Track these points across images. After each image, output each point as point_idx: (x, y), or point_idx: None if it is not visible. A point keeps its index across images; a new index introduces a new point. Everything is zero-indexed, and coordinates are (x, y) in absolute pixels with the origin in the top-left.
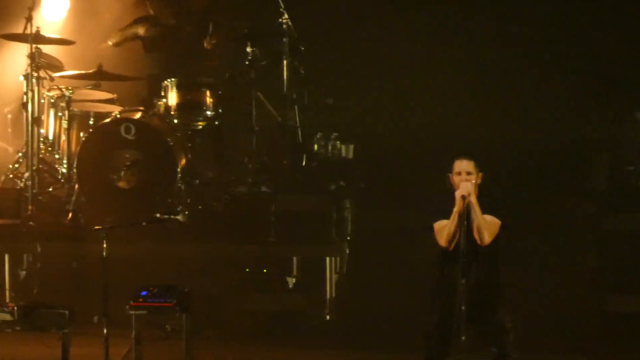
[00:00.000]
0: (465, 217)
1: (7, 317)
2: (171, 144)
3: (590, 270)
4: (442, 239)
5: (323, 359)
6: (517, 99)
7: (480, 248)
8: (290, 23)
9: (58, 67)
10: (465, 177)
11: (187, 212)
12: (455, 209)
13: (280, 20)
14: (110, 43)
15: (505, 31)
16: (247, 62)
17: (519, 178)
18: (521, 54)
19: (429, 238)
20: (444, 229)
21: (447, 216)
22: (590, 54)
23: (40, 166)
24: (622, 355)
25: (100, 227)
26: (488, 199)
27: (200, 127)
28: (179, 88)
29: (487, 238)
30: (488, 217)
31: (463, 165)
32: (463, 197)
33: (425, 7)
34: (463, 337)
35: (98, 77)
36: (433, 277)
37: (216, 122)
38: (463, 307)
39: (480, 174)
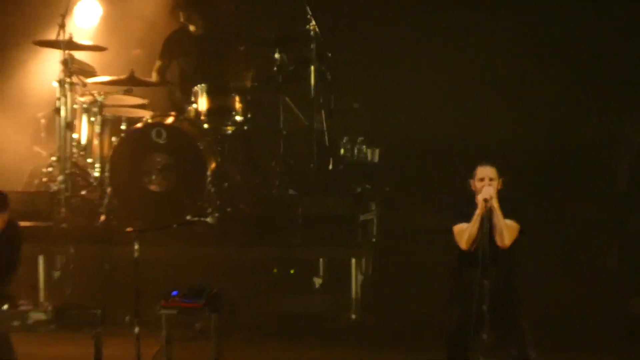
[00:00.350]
0: (487, 220)
1: (42, 317)
2: (201, 148)
3: (612, 272)
4: (463, 242)
5: (350, 356)
6: (540, 103)
7: (499, 251)
8: (317, 29)
9: (90, 73)
10: (487, 183)
11: (216, 215)
12: (478, 212)
13: (307, 26)
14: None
15: (530, 35)
16: (275, 68)
17: (540, 181)
18: (541, 59)
19: (450, 241)
20: (464, 232)
21: (467, 219)
22: (611, 59)
23: (73, 170)
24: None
25: (131, 229)
26: (508, 204)
27: (230, 131)
28: (208, 94)
29: (508, 241)
30: (508, 222)
31: (486, 172)
32: (485, 201)
33: (446, 12)
34: (485, 336)
35: (130, 83)
36: (451, 279)
37: (245, 127)
38: (485, 307)
39: (500, 179)
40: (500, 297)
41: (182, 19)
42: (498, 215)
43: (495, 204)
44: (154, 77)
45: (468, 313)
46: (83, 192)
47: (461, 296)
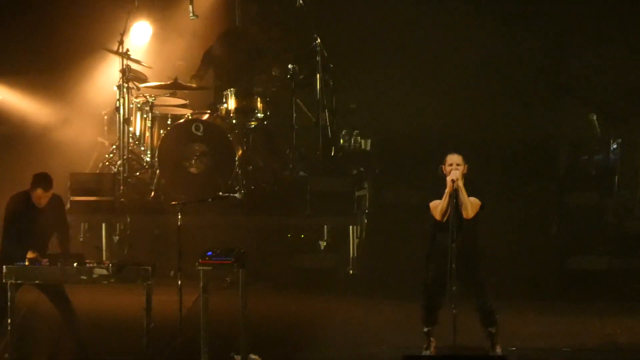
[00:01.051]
0: (454, 196)
1: (104, 272)
2: (231, 139)
3: (552, 237)
4: (437, 214)
5: (348, 303)
6: (504, 106)
7: (465, 221)
8: (321, 46)
9: (143, 79)
10: (454, 167)
11: (243, 191)
12: (447, 190)
13: (314, 44)
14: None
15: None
16: (288, 76)
17: (500, 165)
18: (507, 75)
19: (427, 214)
20: (438, 206)
21: (440, 197)
22: (556, 67)
23: (130, 156)
24: (577, 301)
25: (175, 202)
26: (472, 185)
27: (253, 126)
28: (236, 96)
29: (472, 213)
30: (472, 199)
31: (454, 159)
32: (453, 181)
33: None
34: (454, 288)
35: (174, 87)
36: (428, 243)
37: (265, 122)
38: (453, 265)
39: (466, 165)
40: (465, 256)
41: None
42: (463, 193)
43: (460, 184)
44: (194, 82)
45: (441, 269)
46: (137, 174)
47: (435, 256)
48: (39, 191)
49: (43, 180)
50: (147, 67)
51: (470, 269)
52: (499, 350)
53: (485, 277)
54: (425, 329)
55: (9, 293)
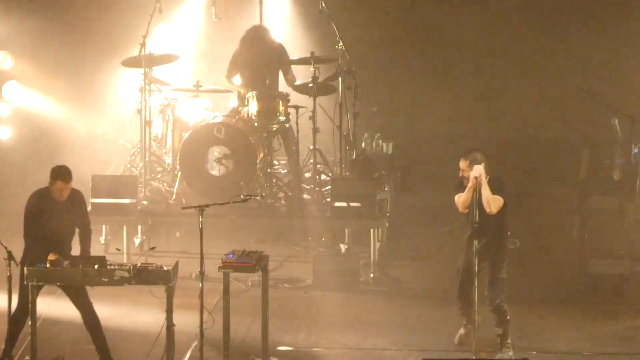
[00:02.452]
0: (477, 192)
1: (125, 274)
2: (252, 141)
3: (573, 240)
4: (460, 207)
5: (369, 306)
6: (521, 106)
7: (489, 217)
8: (344, 48)
9: (165, 82)
10: (475, 164)
11: (264, 194)
12: (469, 185)
13: (337, 47)
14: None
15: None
16: (311, 79)
17: (519, 168)
18: (526, 75)
19: (450, 214)
20: (460, 199)
21: (463, 190)
22: (579, 70)
23: (151, 158)
24: (597, 305)
25: (197, 205)
26: (495, 182)
27: (275, 128)
28: (258, 99)
29: (494, 209)
30: (495, 195)
31: (472, 155)
32: (475, 178)
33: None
34: (476, 285)
35: (196, 90)
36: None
37: (287, 125)
38: (476, 261)
39: (486, 160)
40: (489, 253)
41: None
42: (485, 187)
43: (483, 179)
44: (224, 83)
45: (466, 262)
46: (159, 176)
47: (464, 249)
48: (59, 183)
49: (62, 172)
50: (172, 58)
51: (492, 267)
52: (508, 352)
53: (506, 277)
54: (461, 314)
55: (30, 295)
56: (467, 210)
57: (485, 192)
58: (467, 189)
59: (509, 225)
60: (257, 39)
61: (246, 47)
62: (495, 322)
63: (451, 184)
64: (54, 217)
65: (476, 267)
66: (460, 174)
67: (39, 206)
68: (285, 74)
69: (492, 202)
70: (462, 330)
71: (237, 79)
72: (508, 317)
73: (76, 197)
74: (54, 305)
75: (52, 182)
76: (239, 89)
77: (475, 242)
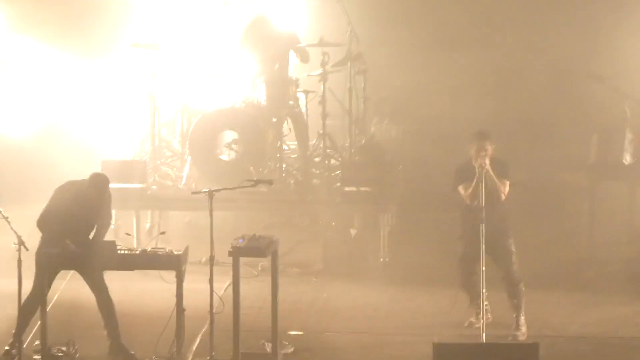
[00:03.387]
0: (483, 182)
1: (135, 259)
2: (262, 126)
3: (583, 225)
4: (467, 198)
5: (378, 291)
6: (530, 91)
7: (495, 204)
8: (355, 32)
9: (175, 67)
10: (482, 152)
11: (273, 179)
12: (477, 177)
13: (347, 31)
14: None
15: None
16: (320, 63)
17: (527, 153)
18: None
19: (457, 199)
20: (467, 191)
21: (467, 179)
22: (589, 54)
23: (161, 143)
24: (608, 290)
25: (207, 190)
26: (499, 165)
27: (284, 113)
28: (267, 84)
29: (503, 196)
30: (501, 181)
31: (480, 143)
32: (481, 169)
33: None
34: (483, 268)
35: (206, 75)
36: (460, 225)
37: (296, 110)
38: (483, 246)
39: (493, 146)
40: (495, 234)
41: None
42: (492, 177)
43: (489, 169)
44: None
45: (470, 247)
46: (168, 161)
47: (466, 235)
48: (93, 192)
49: (100, 183)
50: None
51: (500, 242)
52: (522, 326)
53: (515, 251)
54: (472, 305)
55: (41, 280)
56: (474, 202)
57: (493, 182)
58: (474, 181)
59: (510, 203)
60: (261, 29)
61: (255, 31)
62: (509, 292)
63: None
64: (79, 213)
65: (483, 253)
66: (473, 155)
67: (66, 197)
68: (297, 53)
69: (501, 189)
70: (472, 318)
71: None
72: (522, 288)
73: (105, 197)
74: (64, 290)
75: (88, 186)
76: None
77: (482, 227)
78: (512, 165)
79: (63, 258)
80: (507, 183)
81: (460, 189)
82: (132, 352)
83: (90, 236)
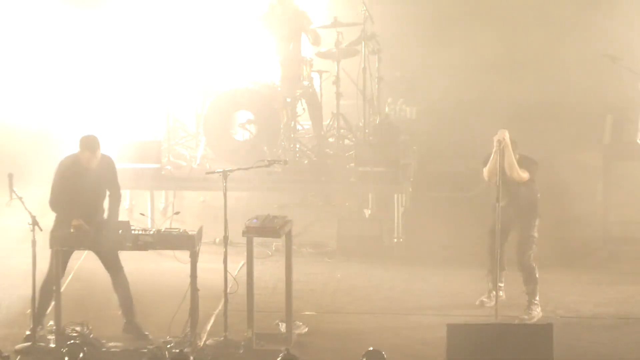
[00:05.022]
0: (501, 156)
1: (149, 239)
2: (276, 106)
3: (597, 205)
4: (486, 174)
5: (393, 271)
6: (545, 70)
7: (513, 182)
8: (369, 13)
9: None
10: (501, 133)
11: (287, 159)
12: (494, 150)
13: (361, 11)
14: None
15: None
16: (334, 43)
17: (542, 133)
18: (546, 33)
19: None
20: (486, 169)
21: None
22: (602, 34)
23: (175, 124)
24: (622, 270)
25: (221, 170)
26: (524, 158)
27: (298, 93)
28: (282, 64)
29: (516, 175)
30: (527, 159)
31: (501, 133)
32: (499, 141)
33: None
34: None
35: (221, 56)
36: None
37: (310, 90)
38: (499, 225)
39: (517, 145)
40: (519, 216)
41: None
42: (509, 151)
43: (508, 143)
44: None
45: (494, 225)
46: (182, 141)
47: (496, 212)
48: (87, 154)
49: (90, 142)
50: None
51: (523, 225)
52: (533, 310)
53: (536, 236)
54: (487, 276)
55: (54, 260)
56: (495, 178)
57: (509, 156)
58: (492, 155)
59: (538, 187)
60: (279, 6)
61: (273, 12)
62: (523, 279)
63: (476, 150)
64: (83, 184)
65: (499, 230)
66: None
67: (68, 172)
68: (308, 35)
69: (514, 167)
70: (484, 297)
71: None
72: (537, 275)
73: (106, 163)
74: (78, 270)
75: (81, 151)
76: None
77: (498, 205)
78: (540, 166)
79: (77, 238)
80: (526, 173)
81: (484, 170)
82: (146, 333)
83: (104, 212)
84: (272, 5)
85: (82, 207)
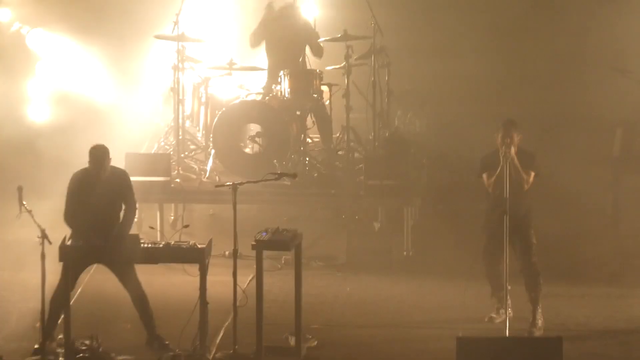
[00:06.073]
0: (507, 170)
1: (158, 252)
2: (286, 119)
3: (608, 218)
4: (489, 186)
5: (402, 285)
6: (555, 83)
7: (518, 194)
8: (378, 26)
9: (198, 60)
10: (507, 140)
11: (297, 172)
12: (501, 165)
13: (370, 24)
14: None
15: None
16: (344, 56)
17: (552, 146)
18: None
19: (482, 191)
20: (491, 179)
21: (491, 168)
22: (611, 47)
23: (185, 136)
24: (632, 284)
25: (230, 183)
26: (525, 155)
27: (308, 106)
28: (291, 77)
29: (526, 186)
30: (525, 171)
31: (506, 131)
32: (506, 158)
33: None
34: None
35: (229, 68)
36: (484, 214)
37: (320, 103)
38: (507, 239)
39: (520, 135)
40: (518, 225)
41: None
42: (516, 166)
43: (515, 159)
44: (252, 39)
45: (494, 238)
46: (192, 154)
47: (491, 227)
48: (95, 164)
49: (97, 152)
50: (201, 40)
51: (522, 235)
52: (538, 320)
53: (536, 243)
54: (493, 297)
55: (65, 274)
56: (497, 191)
57: (517, 170)
58: (499, 169)
59: (533, 194)
60: (288, 17)
61: (278, 22)
62: (527, 286)
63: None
64: (94, 197)
65: (507, 245)
66: (498, 142)
67: (80, 186)
68: (312, 47)
69: (525, 180)
70: (493, 313)
71: (261, 44)
72: (541, 281)
73: (119, 177)
74: (88, 284)
75: (89, 162)
76: (264, 68)
77: (506, 217)
78: (538, 157)
79: (88, 252)
80: (532, 174)
81: (484, 176)
82: (167, 342)
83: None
84: (282, 18)
85: (95, 220)
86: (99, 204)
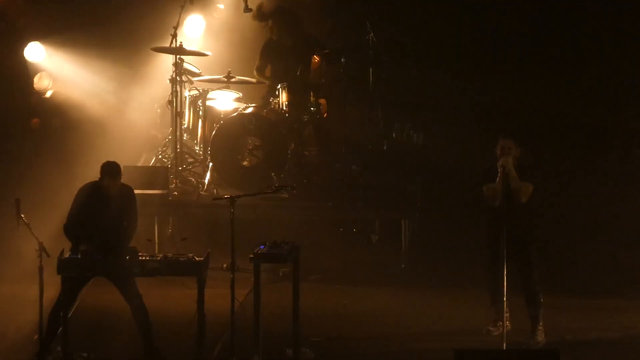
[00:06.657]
0: (505, 182)
1: (156, 265)
2: (283, 132)
3: (608, 231)
4: (489, 198)
5: (400, 297)
6: (561, 99)
7: (518, 206)
8: (375, 39)
9: (196, 73)
10: (506, 151)
11: (295, 185)
12: (499, 176)
13: (367, 37)
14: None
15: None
16: (341, 70)
17: (554, 157)
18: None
19: (480, 204)
20: (490, 191)
21: (491, 180)
22: (607, 64)
23: (183, 149)
24: (631, 296)
25: (228, 196)
26: (525, 168)
27: (306, 119)
28: (289, 90)
29: (524, 198)
30: (525, 183)
31: (505, 142)
32: (503, 167)
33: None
34: (505, 272)
35: (227, 81)
36: (486, 227)
37: (318, 116)
38: (504, 250)
39: (518, 149)
40: (519, 239)
41: (274, 38)
42: (514, 178)
43: (512, 170)
44: (255, 75)
45: (496, 252)
46: (190, 167)
47: (493, 240)
48: (107, 180)
49: (110, 169)
50: (203, 54)
51: (523, 251)
52: (538, 336)
53: (538, 259)
54: (491, 308)
55: (64, 286)
56: (497, 202)
57: (515, 182)
58: (497, 180)
59: (536, 208)
60: (287, 27)
61: (277, 37)
62: (527, 302)
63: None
64: (102, 211)
65: (505, 257)
66: (498, 154)
67: (88, 199)
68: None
69: (523, 192)
70: (490, 326)
71: (268, 71)
72: (541, 299)
73: (126, 194)
74: (86, 297)
75: (101, 178)
76: (269, 81)
77: (504, 230)
78: (537, 167)
79: (86, 265)
80: (531, 187)
81: (484, 188)
82: (164, 355)
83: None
84: (279, 31)
85: (100, 234)
86: (105, 219)
